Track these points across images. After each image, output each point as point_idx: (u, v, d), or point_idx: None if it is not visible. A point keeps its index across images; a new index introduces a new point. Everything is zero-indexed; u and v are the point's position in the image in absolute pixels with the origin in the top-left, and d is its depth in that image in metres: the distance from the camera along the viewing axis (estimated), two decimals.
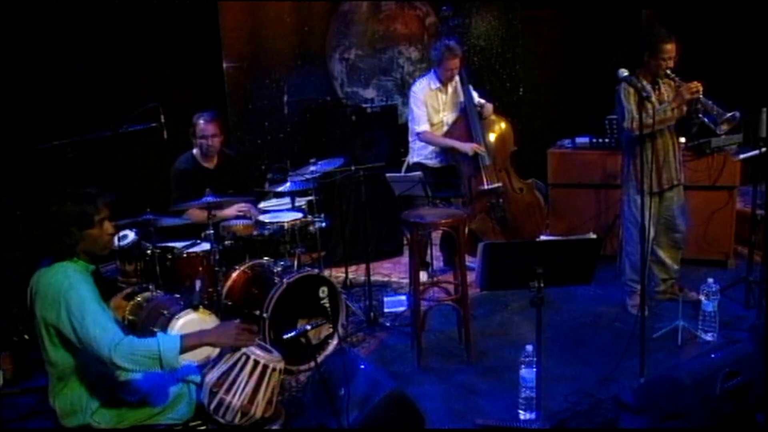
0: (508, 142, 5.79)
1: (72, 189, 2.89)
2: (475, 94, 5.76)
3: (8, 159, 4.99)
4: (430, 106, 5.67)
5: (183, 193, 4.83)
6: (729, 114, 4.39)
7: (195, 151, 5.00)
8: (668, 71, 4.49)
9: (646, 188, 4.12)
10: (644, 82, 4.51)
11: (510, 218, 5.67)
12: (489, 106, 5.74)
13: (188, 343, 2.83)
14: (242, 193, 5.04)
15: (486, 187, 5.59)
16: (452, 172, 5.72)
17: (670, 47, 4.47)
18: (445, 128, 5.70)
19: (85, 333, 2.70)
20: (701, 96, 4.43)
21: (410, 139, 5.83)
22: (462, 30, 6.79)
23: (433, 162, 5.73)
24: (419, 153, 5.78)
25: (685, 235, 4.90)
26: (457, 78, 5.72)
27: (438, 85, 5.65)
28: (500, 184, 5.62)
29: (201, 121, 4.92)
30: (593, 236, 5.82)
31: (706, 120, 4.53)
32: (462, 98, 5.73)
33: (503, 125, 5.81)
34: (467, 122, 5.66)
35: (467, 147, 5.54)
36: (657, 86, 4.61)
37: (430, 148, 5.73)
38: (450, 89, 5.73)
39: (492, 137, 5.73)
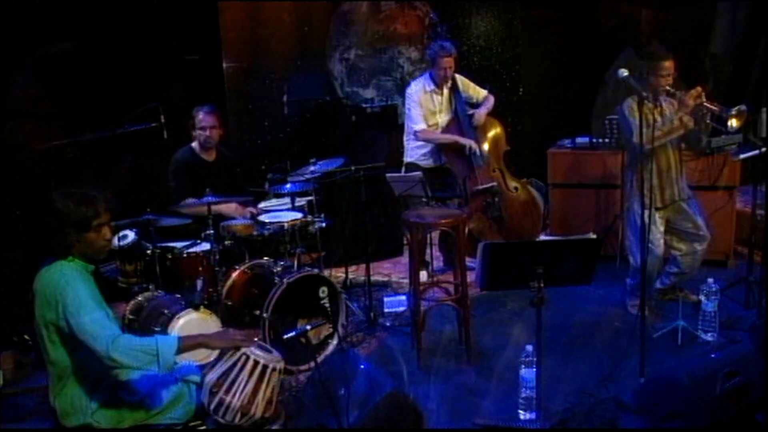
0: (500, 142, 5.82)
1: (76, 189, 2.88)
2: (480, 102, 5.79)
3: (8, 159, 4.99)
4: (426, 108, 5.68)
5: (181, 183, 4.85)
6: (734, 108, 4.38)
7: (194, 144, 5.05)
8: (668, 88, 4.51)
9: (648, 202, 4.14)
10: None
11: (506, 217, 5.67)
12: (480, 115, 5.74)
13: (186, 343, 2.85)
14: (238, 193, 5.05)
15: (480, 186, 5.60)
16: (446, 173, 5.73)
17: (668, 64, 4.49)
18: (440, 131, 5.72)
19: (82, 329, 2.70)
20: (704, 101, 4.44)
21: (405, 138, 5.84)
22: (451, 35, 6.81)
23: (426, 162, 5.75)
24: (413, 153, 5.79)
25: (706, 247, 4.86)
26: (450, 82, 5.74)
27: (433, 87, 5.68)
28: (494, 184, 5.63)
29: (201, 113, 4.99)
30: (593, 236, 5.82)
31: (715, 124, 4.53)
32: (454, 102, 5.76)
33: (495, 126, 5.85)
34: (459, 124, 5.69)
35: (468, 140, 5.57)
36: (658, 103, 4.62)
37: (425, 149, 5.74)
38: (446, 91, 5.74)
39: (484, 138, 5.75)
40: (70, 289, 2.75)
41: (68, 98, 5.42)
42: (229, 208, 5.06)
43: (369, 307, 5.12)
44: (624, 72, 3.99)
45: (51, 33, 5.41)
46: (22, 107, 2.80)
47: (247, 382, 2.96)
